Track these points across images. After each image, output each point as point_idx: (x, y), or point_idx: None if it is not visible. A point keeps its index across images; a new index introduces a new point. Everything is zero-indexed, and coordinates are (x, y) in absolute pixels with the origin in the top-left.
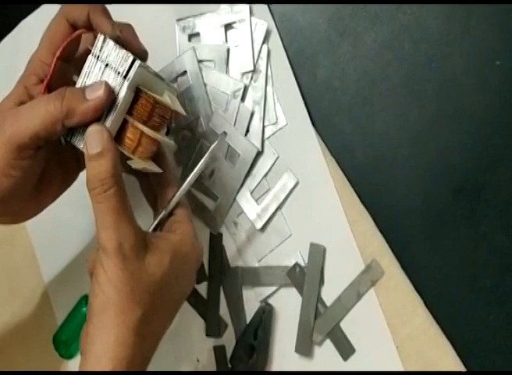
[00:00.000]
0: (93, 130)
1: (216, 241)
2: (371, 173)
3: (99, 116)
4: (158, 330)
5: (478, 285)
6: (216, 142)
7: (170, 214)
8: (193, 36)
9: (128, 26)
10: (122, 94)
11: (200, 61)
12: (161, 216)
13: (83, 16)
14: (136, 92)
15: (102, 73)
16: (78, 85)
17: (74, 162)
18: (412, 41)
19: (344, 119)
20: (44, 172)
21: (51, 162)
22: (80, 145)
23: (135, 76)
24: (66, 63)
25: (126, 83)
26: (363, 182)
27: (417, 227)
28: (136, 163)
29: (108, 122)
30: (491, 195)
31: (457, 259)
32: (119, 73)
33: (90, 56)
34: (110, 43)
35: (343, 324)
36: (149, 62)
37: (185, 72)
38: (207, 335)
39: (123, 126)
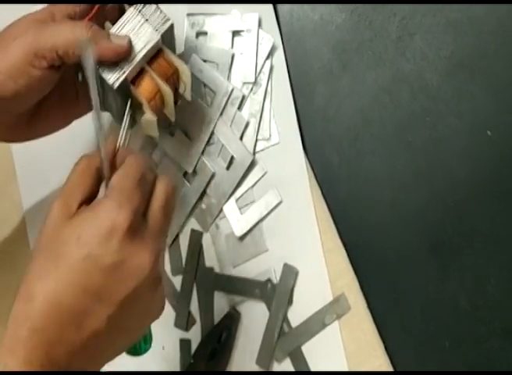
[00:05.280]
0: None
1: (196, 238)
2: (351, 210)
3: (114, 60)
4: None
5: (437, 344)
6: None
7: None
8: (200, 34)
9: None
10: (152, 42)
11: (204, 60)
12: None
13: None
14: (160, 54)
15: (140, 26)
16: (111, 31)
17: (75, 106)
18: (411, 90)
19: (333, 151)
20: (45, 100)
21: (54, 96)
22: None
23: (167, 32)
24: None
25: (159, 35)
26: (343, 216)
27: (388, 272)
28: (147, 116)
29: (129, 66)
30: (464, 259)
31: (421, 314)
32: (156, 30)
33: (131, 9)
34: (153, 5)
35: (304, 348)
36: None
37: None
38: (175, 325)
39: (141, 75)
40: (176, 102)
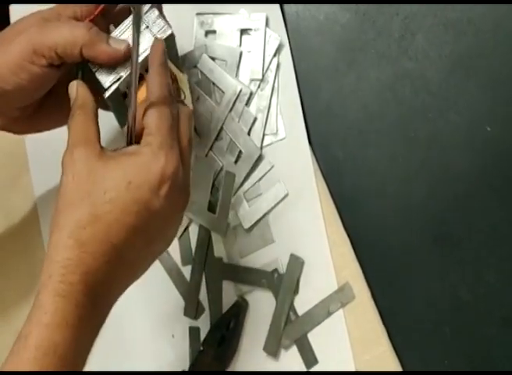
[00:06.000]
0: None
1: (205, 229)
2: (356, 203)
3: (111, 64)
4: (102, 248)
5: (438, 332)
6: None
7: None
8: (209, 32)
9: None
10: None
11: (212, 58)
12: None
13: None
14: None
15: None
16: (113, 34)
17: None
18: (413, 87)
19: (338, 145)
20: (49, 97)
21: (58, 93)
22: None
23: (167, 40)
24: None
25: None
26: (347, 209)
27: (391, 262)
28: None
29: (126, 72)
30: (464, 250)
31: (423, 303)
32: (156, 38)
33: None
34: (155, 12)
35: (310, 335)
36: None
37: (195, 66)
38: (184, 314)
39: (139, 83)
40: None
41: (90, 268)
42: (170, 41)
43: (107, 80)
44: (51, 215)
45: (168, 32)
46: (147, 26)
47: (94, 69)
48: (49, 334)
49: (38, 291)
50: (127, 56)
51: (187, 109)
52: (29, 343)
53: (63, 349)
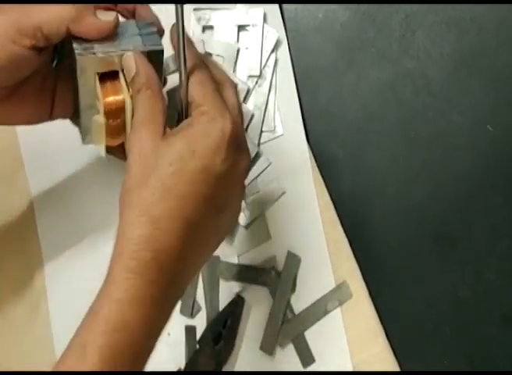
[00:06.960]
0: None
1: None
2: (354, 202)
3: (97, 38)
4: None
5: (438, 331)
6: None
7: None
8: (206, 28)
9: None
10: (134, 48)
11: (210, 54)
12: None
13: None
14: None
15: (133, 35)
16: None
17: (47, 106)
18: (414, 87)
19: (337, 145)
20: (22, 86)
21: (31, 85)
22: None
23: (155, 54)
24: None
25: (144, 49)
26: (346, 208)
27: (390, 262)
28: (99, 118)
29: (103, 48)
30: (464, 250)
31: (422, 302)
32: (145, 45)
33: (131, 21)
34: (154, 28)
35: (307, 334)
36: None
37: None
38: (180, 313)
39: (112, 78)
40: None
41: (163, 245)
42: (157, 57)
43: (80, 47)
44: (120, 194)
45: (159, 47)
46: (141, 35)
47: (77, 51)
48: (120, 310)
49: (109, 267)
50: (116, 29)
51: (229, 79)
52: (99, 317)
53: (134, 327)
